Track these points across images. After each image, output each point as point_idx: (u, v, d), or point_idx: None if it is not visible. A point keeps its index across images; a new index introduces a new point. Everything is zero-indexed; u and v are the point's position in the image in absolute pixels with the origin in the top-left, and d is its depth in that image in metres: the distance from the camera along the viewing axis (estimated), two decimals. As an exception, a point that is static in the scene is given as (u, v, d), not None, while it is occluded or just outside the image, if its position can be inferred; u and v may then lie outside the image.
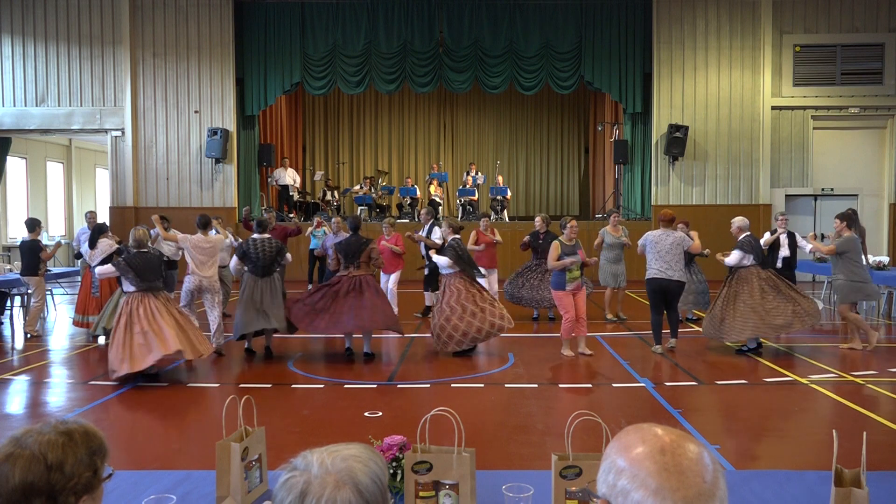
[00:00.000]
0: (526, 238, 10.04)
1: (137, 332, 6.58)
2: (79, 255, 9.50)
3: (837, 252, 8.04)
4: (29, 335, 9.28)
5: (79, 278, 10.33)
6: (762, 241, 8.82)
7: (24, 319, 9.84)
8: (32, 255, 9.33)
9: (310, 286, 13.47)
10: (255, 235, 7.75)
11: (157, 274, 6.88)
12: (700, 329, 9.26)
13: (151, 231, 8.47)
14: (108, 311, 8.40)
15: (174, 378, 7.01)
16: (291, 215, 16.15)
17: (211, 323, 8.05)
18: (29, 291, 9.92)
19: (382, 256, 10.06)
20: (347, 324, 7.32)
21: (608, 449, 1.11)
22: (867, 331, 8.12)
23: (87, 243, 9.09)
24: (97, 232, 8.93)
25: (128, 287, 6.87)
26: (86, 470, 1.36)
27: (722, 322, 7.74)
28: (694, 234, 8.65)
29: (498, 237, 10.42)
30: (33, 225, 9.55)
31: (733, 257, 7.83)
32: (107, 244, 8.77)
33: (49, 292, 11.21)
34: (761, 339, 8.05)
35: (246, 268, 7.68)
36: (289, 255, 8.11)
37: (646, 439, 1.07)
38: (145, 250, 6.91)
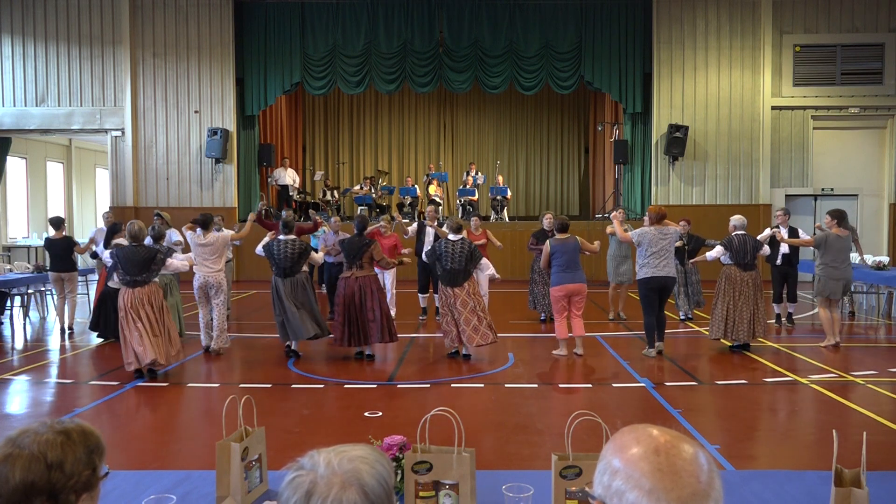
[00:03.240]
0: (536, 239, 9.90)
1: (128, 331, 6.80)
2: (95, 255, 9.60)
3: (814, 245, 8.36)
4: (70, 330, 9.50)
5: (81, 278, 10.36)
6: (759, 237, 8.83)
7: (25, 318, 9.87)
8: (67, 251, 9.54)
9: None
10: (281, 236, 7.82)
11: (140, 269, 6.84)
12: (699, 329, 9.27)
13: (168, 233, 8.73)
14: None
15: (174, 378, 7.01)
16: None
17: (214, 322, 8.09)
18: (42, 289, 10.05)
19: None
20: (363, 339, 7.51)
21: (604, 450, 1.12)
22: (826, 330, 8.36)
23: (102, 244, 9.17)
24: (111, 232, 9.00)
25: (115, 281, 7.09)
26: (85, 468, 1.36)
27: (713, 320, 8.03)
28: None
29: (496, 241, 10.22)
30: (59, 223, 9.74)
31: (712, 252, 8.08)
32: (115, 244, 8.81)
33: (49, 292, 11.22)
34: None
35: (272, 268, 7.85)
36: (319, 256, 8.19)
37: (641, 440, 1.07)
38: (136, 244, 6.92)
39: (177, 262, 7.30)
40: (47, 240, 9.71)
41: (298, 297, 7.66)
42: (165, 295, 8.55)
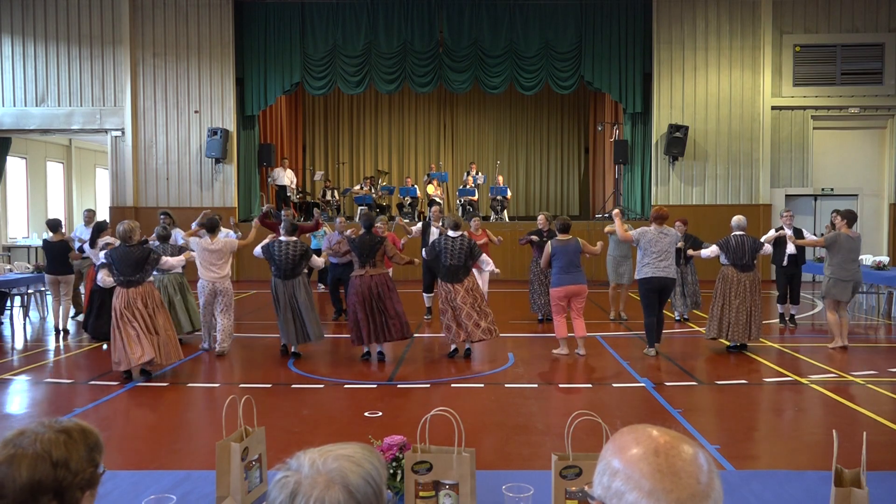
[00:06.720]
0: (531, 235, 9.95)
1: (122, 330, 6.70)
2: (81, 250, 9.62)
3: (825, 245, 8.29)
4: (65, 331, 9.46)
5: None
6: (764, 238, 8.84)
7: (25, 318, 9.87)
8: (64, 254, 9.55)
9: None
10: (283, 238, 7.80)
11: (133, 269, 6.78)
12: (697, 329, 9.27)
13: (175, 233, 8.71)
14: None
15: (174, 378, 7.01)
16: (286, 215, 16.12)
17: (217, 325, 8.02)
18: (42, 289, 10.06)
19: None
20: (384, 336, 7.45)
21: (604, 450, 1.12)
22: (834, 332, 8.23)
23: (88, 242, 9.17)
24: (97, 231, 8.99)
25: (101, 279, 6.97)
26: (88, 465, 1.38)
27: (710, 319, 8.03)
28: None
29: (494, 238, 10.22)
30: (57, 225, 9.74)
31: (707, 251, 8.13)
32: (104, 243, 8.80)
33: (49, 293, 11.21)
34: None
35: (271, 269, 7.81)
36: (320, 261, 8.07)
37: (640, 441, 1.08)
38: (129, 245, 6.87)
39: (173, 259, 7.31)
40: (45, 242, 9.72)
41: (298, 300, 7.65)
42: (183, 294, 8.58)
